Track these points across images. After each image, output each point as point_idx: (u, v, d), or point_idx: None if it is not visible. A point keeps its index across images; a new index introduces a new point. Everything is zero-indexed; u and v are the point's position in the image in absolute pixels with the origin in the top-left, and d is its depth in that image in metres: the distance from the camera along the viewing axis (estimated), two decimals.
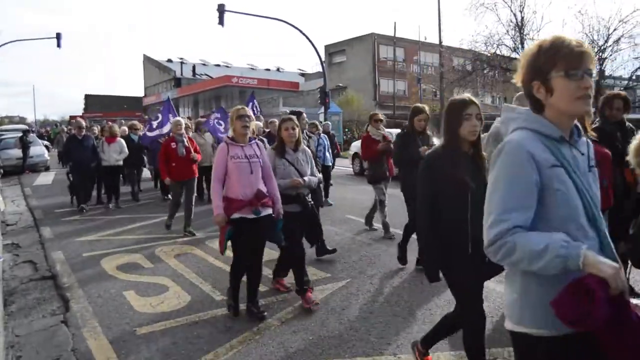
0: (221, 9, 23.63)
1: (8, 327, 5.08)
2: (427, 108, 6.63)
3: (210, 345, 4.49)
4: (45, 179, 19.40)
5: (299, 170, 5.47)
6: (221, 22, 23.81)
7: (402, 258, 6.73)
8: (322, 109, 27.74)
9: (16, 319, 5.30)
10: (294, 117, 5.64)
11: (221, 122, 12.28)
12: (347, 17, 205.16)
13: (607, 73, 24.12)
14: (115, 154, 12.07)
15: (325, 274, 6.48)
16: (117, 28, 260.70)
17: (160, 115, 13.37)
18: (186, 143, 9.23)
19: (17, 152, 21.23)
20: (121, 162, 12.35)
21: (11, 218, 11.09)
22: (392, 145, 7.85)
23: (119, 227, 9.86)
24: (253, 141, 5.16)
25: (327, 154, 11.73)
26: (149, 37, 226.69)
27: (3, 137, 23.73)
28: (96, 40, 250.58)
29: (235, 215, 4.89)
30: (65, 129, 25.70)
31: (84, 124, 12.24)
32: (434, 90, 43.35)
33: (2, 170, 8.51)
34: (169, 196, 12.14)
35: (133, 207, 12.25)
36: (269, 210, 5.05)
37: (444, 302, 5.38)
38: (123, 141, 12.47)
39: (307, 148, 5.77)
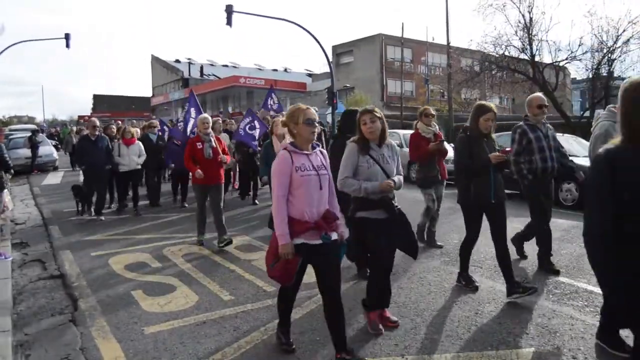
0: (229, 10, 23.65)
1: (17, 325, 5.11)
2: (494, 106, 5.59)
3: (217, 345, 4.49)
4: (53, 178, 19.50)
5: (385, 170, 4.58)
6: (229, 22, 23.84)
7: (469, 282, 5.89)
8: (330, 110, 27.72)
9: (25, 318, 5.33)
10: (373, 108, 4.69)
11: (255, 124, 11.71)
12: (354, 17, 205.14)
13: (616, 74, 23.98)
14: (135, 156, 11.21)
15: None
16: (125, 28, 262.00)
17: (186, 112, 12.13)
18: (214, 143, 8.16)
19: (26, 152, 21.36)
20: (140, 166, 11.52)
21: (20, 217, 11.16)
22: (444, 144, 7.61)
23: (127, 226, 9.90)
24: (317, 148, 4.18)
25: None
26: (157, 38, 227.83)
27: (12, 136, 23.87)
28: (104, 41, 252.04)
29: (297, 241, 3.93)
30: (75, 129, 25.53)
31: (97, 123, 11.09)
32: (441, 91, 43.30)
33: (12, 171, 8.49)
34: (186, 204, 12.15)
35: (141, 206, 11.83)
36: (335, 234, 4.12)
37: (451, 303, 5.37)
38: (141, 143, 11.62)
39: (392, 142, 4.83)
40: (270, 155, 8.13)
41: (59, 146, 28.54)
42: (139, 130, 13.72)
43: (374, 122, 4.54)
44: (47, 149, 22.86)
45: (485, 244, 6.66)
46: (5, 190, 8.32)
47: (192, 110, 11.37)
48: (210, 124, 8.41)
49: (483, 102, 5.80)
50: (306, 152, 4.04)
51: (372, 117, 4.55)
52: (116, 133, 12.39)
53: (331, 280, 4.18)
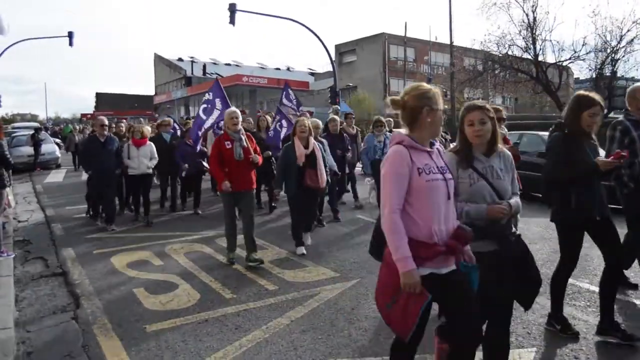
0: (232, 9, 23.64)
1: (19, 323, 5.12)
2: (600, 98, 4.35)
3: (219, 344, 4.49)
4: (56, 176, 19.53)
5: (495, 188, 3.31)
6: (232, 21, 23.83)
7: (566, 326, 4.60)
8: (332, 109, 27.70)
9: (27, 315, 5.34)
10: (483, 103, 3.42)
11: (283, 123, 10.93)
12: (357, 16, 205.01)
13: (619, 74, 23.92)
14: (146, 159, 9.79)
15: (335, 273, 6.46)
16: (128, 27, 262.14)
17: (208, 104, 10.64)
18: (245, 142, 6.97)
19: (29, 150, 21.39)
20: (151, 170, 10.09)
21: (22, 215, 11.17)
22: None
23: (129, 224, 9.91)
24: (435, 144, 3.14)
25: None
26: (160, 36, 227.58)
27: (15, 134, 23.92)
28: (107, 39, 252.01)
29: (424, 270, 2.91)
30: (78, 128, 25.07)
31: (106, 121, 9.75)
32: (444, 90, 43.21)
33: (11, 170, 8.40)
34: (199, 211, 10.95)
35: (154, 211, 10.66)
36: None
37: None
38: (152, 144, 10.16)
39: (506, 151, 3.53)
40: (290, 159, 7.37)
41: (61, 145, 28.33)
42: (149, 129, 12.10)
43: (484, 125, 3.28)
44: (50, 147, 22.91)
45: None
46: (8, 189, 8.33)
47: (218, 101, 10.41)
48: (240, 120, 7.12)
49: (584, 92, 4.47)
50: (427, 149, 3.05)
51: (482, 118, 3.28)
52: (125, 132, 11.55)
53: (467, 321, 3.07)
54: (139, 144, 9.81)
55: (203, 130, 10.45)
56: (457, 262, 3.02)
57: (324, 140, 8.79)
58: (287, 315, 5.11)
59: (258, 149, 7.35)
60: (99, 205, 10.10)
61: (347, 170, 11.11)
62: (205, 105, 10.49)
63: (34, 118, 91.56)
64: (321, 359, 4.21)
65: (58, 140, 28.39)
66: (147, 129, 10.43)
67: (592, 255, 7.00)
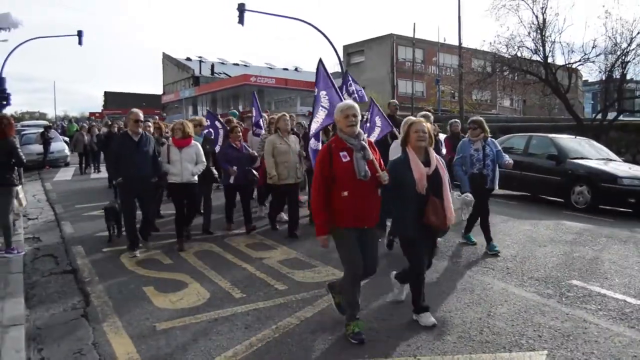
0: (241, 8, 23.69)
1: (29, 319, 5.14)
2: None
3: (229, 343, 4.50)
4: (65, 174, 19.61)
5: None
6: (241, 21, 23.87)
7: None
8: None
9: (37, 312, 5.36)
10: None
11: (375, 120, 9.14)
12: (366, 17, 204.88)
13: (629, 77, 23.76)
14: (190, 163, 7.75)
15: None
16: (137, 26, 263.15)
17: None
18: (370, 154, 4.72)
19: (38, 148, 21.49)
20: (196, 178, 7.91)
21: (32, 212, 11.22)
22: None
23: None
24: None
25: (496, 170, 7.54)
26: (169, 36, 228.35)
27: (24, 132, 24.05)
28: (116, 38, 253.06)
29: None
30: (87, 126, 23.06)
31: (141, 116, 7.70)
32: (452, 91, 43.16)
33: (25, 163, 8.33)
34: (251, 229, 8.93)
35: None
36: None
37: (463, 305, 5.35)
38: (199, 144, 8.10)
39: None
40: (403, 182, 4.70)
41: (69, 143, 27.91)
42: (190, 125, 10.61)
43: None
44: (59, 145, 23.01)
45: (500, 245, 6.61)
46: (19, 187, 8.36)
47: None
48: (359, 116, 4.72)
49: None
50: None
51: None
52: (153, 132, 10.10)
53: None
54: (181, 145, 7.75)
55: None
56: None
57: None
58: (296, 315, 5.11)
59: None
60: (131, 224, 7.66)
61: None
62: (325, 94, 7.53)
63: (42, 116, 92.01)
64: (330, 359, 4.20)
65: (67, 139, 28.34)
66: (191, 126, 8.07)
67: (602, 259, 6.99)
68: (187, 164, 7.70)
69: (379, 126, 8.98)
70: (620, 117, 22.01)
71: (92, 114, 73.41)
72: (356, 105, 4.71)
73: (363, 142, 4.62)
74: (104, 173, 17.81)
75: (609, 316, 5.02)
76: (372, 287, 5.92)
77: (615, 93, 22.35)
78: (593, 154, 12.12)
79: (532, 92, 27.02)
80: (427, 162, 4.72)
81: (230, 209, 9.17)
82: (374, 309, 5.26)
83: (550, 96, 25.88)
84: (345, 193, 4.47)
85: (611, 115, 21.34)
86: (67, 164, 22.77)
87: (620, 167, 11.38)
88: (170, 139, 8.08)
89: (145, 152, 7.52)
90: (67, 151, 23.25)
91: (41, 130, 23.03)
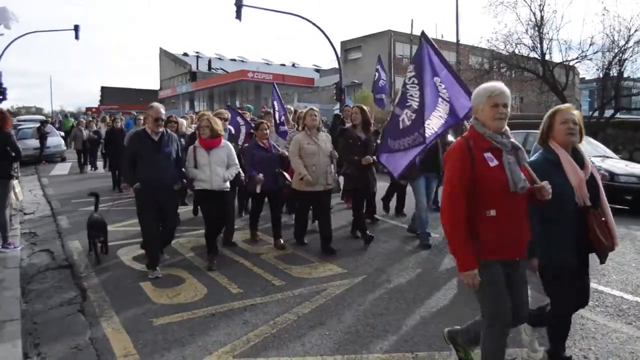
0: (239, 4, 23.58)
1: (26, 315, 5.13)
2: None
3: (227, 338, 4.49)
4: (61, 169, 19.56)
5: None
6: (239, 16, 23.76)
7: None
8: (338, 105, 27.72)
9: (34, 307, 5.35)
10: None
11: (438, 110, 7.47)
12: (363, 13, 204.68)
13: (626, 75, 23.78)
14: (221, 167, 6.65)
15: (342, 269, 6.45)
16: (134, 21, 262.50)
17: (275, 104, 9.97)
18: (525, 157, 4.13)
19: (35, 142, 21.42)
20: (228, 185, 6.81)
21: (28, 207, 11.18)
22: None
23: (135, 218, 9.87)
24: None
25: None
26: (166, 31, 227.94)
27: (21, 127, 23.96)
28: (113, 33, 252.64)
29: None
30: (84, 121, 22.30)
31: (162, 112, 6.52)
32: None
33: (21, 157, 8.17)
34: (282, 241, 7.65)
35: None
36: None
37: (461, 300, 5.35)
38: (230, 145, 6.99)
39: None
40: (562, 193, 3.51)
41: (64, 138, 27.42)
42: (184, 123, 10.92)
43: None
44: (56, 140, 22.94)
45: None
46: (16, 181, 8.33)
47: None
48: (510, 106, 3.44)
49: None
50: None
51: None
52: (176, 129, 9.32)
53: None
54: (210, 146, 6.62)
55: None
56: None
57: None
58: (294, 311, 5.10)
59: None
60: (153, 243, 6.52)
61: None
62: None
63: (39, 111, 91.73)
64: (328, 354, 4.20)
65: (63, 134, 28.18)
66: (219, 123, 6.92)
67: None
68: (217, 168, 6.57)
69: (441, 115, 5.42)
70: (618, 115, 22.03)
71: (88, 108, 73.18)
72: (507, 91, 3.35)
73: (514, 141, 3.38)
74: (100, 171, 17.77)
75: (607, 312, 5.03)
76: (371, 283, 5.93)
77: (613, 90, 22.37)
78: (590, 151, 12.12)
79: (530, 90, 27.00)
80: (582, 164, 3.60)
81: (256, 216, 8.02)
82: (371, 304, 5.25)
83: (548, 93, 25.88)
84: (493, 212, 3.21)
85: (608, 113, 21.38)
86: (63, 159, 22.71)
87: (617, 165, 11.39)
88: (198, 139, 6.79)
89: (168, 153, 6.39)
90: (63, 146, 23.18)
91: (37, 125, 22.95)
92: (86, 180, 16.17)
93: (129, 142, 6.92)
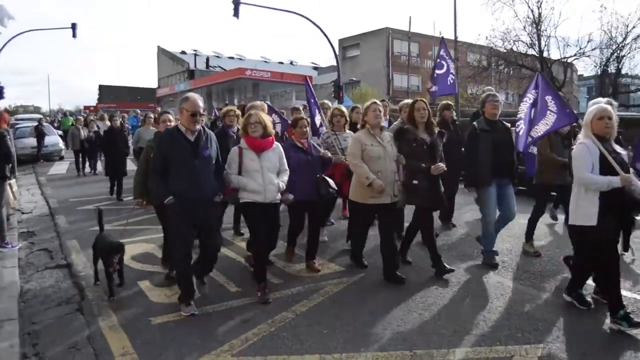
0: (236, 1, 23.57)
1: (24, 314, 5.12)
2: None
3: (225, 337, 4.49)
4: (59, 168, 19.50)
5: None
6: (236, 14, 23.76)
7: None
8: (336, 103, 27.71)
9: (32, 307, 5.35)
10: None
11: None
12: (361, 10, 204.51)
13: (624, 71, 23.83)
14: (273, 173, 5.45)
15: (340, 267, 6.44)
16: (132, 19, 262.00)
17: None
18: None
19: (32, 141, 21.37)
20: (280, 196, 5.54)
21: (26, 206, 11.16)
22: None
23: (134, 217, 9.85)
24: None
25: None
26: (163, 29, 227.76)
27: (18, 126, 23.89)
28: (111, 31, 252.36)
29: None
30: (82, 118, 20.30)
31: (201, 106, 5.04)
32: None
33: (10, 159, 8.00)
34: (317, 265, 6.41)
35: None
36: None
37: (459, 298, 5.35)
38: (280, 147, 5.70)
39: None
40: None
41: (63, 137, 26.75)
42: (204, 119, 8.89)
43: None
44: (53, 139, 22.87)
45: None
46: (12, 181, 8.30)
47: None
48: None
49: None
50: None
51: None
52: (223, 120, 7.41)
53: None
54: (261, 147, 5.38)
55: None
56: None
57: None
58: (292, 309, 5.10)
59: None
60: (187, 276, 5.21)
61: None
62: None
63: (37, 110, 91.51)
64: (327, 352, 4.20)
65: (61, 132, 28.06)
66: (268, 120, 5.65)
67: None
68: (270, 176, 5.37)
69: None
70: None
71: (86, 107, 73.04)
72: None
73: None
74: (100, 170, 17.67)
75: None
76: (369, 281, 5.93)
77: (611, 87, 22.42)
78: None
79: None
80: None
81: (296, 233, 6.67)
82: (369, 303, 5.25)
83: None
84: None
85: None
86: (61, 158, 22.64)
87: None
88: (243, 137, 5.48)
89: (207, 158, 5.05)
90: (61, 145, 23.11)
91: (35, 123, 22.88)
92: (84, 178, 16.13)
93: (160, 143, 5.16)
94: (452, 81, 10.66)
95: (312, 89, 8.62)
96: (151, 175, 5.13)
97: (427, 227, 6.22)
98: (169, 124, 6.07)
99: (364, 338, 4.44)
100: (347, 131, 7.29)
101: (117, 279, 5.66)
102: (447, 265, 6.07)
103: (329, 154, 6.53)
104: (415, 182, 5.90)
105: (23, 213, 10.43)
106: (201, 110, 5.01)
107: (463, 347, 4.26)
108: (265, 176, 5.30)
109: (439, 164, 5.89)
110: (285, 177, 5.60)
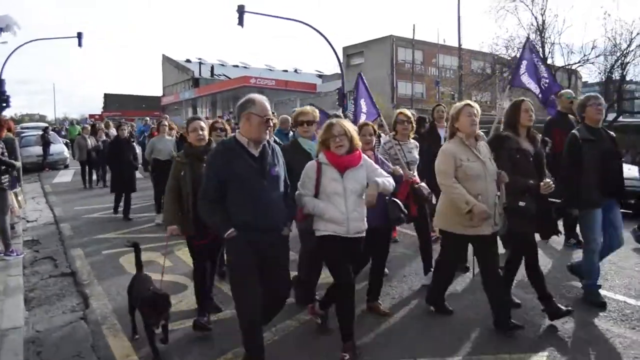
0: (241, 10, 23.70)
1: (28, 322, 5.13)
2: None
3: (228, 345, 4.48)
4: (64, 176, 19.58)
5: None
6: (241, 22, 23.87)
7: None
8: (340, 111, 27.76)
9: (36, 315, 5.36)
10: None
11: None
12: (365, 18, 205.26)
13: (628, 78, 23.78)
14: (360, 198, 4.26)
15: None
16: (137, 28, 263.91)
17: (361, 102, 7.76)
18: None
19: (38, 150, 21.49)
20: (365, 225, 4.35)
21: (31, 215, 11.20)
22: None
23: (138, 225, 9.90)
24: None
25: None
26: (168, 37, 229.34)
27: (24, 134, 24.03)
28: (116, 40, 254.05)
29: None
30: (89, 127, 18.33)
31: (268, 109, 3.97)
32: (452, 93, 43.19)
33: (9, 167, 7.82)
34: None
35: (151, 206, 10.94)
36: None
37: (462, 306, 5.33)
38: (367, 157, 4.47)
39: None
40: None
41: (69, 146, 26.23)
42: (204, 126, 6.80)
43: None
44: (59, 147, 23.00)
45: None
46: (19, 189, 8.33)
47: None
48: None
49: None
50: None
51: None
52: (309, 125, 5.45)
53: None
54: (348, 165, 4.25)
55: None
56: None
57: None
58: (296, 317, 5.10)
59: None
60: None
61: None
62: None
63: (42, 118, 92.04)
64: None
65: (67, 141, 28.11)
66: (354, 131, 4.41)
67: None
68: (356, 200, 4.23)
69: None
70: (620, 118, 22.01)
71: (91, 115, 73.37)
72: None
73: None
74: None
75: (610, 317, 5.01)
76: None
77: (615, 94, 22.38)
78: None
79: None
80: None
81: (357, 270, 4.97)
82: (372, 312, 5.24)
83: None
84: None
85: (611, 117, 21.40)
86: (66, 166, 22.74)
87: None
88: (323, 152, 4.30)
89: (276, 178, 4.00)
90: (66, 153, 23.22)
91: (41, 132, 23.01)
92: (90, 190, 16.13)
93: (214, 158, 4.01)
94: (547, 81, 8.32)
95: (367, 86, 7.93)
96: (201, 202, 3.98)
97: (532, 258, 4.99)
98: (200, 133, 4.98)
99: (368, 346, 4.44)
100: (412, 140, 6.23)
101: (161, 334, 4.41)
102: (562, 306, 4.84)
103: (400, 171, 5.33)
104: (522, 203, 4.74)
105: (28, 221, 10.46)
106: (269, 114, 3.94)
107: (467, 354, 4.26)
108: (349, 201, 4.17)
109: (547, 180, 4.70)
110: (390, 179, 4.45)
